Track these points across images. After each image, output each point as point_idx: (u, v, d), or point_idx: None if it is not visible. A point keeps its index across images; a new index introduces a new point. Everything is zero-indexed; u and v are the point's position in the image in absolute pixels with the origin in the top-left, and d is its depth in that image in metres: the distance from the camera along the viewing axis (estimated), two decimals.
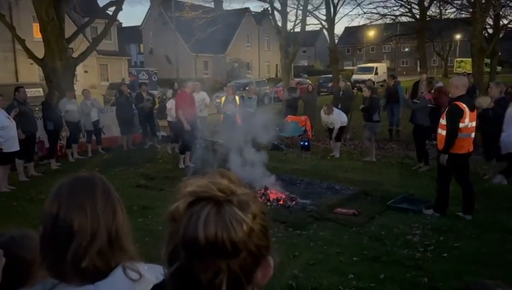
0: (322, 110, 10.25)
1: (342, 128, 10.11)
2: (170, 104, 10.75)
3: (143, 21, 41.98)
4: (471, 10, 16.85)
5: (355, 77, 33.70)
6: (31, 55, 11.68)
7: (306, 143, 10.86)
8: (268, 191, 6.81)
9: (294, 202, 6.48)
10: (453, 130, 5.42)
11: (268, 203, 6.42)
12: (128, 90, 11.98)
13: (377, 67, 35.84)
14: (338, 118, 9.98)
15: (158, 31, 37.70)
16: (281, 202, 6.48)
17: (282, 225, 5.55)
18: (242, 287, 0.74)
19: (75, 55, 12.33)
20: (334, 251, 4.79)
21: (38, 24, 11.51)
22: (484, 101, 7.58)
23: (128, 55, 37.59)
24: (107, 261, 1.02)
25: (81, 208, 1.03)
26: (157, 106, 12.65)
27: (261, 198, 6.62)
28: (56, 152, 9.61)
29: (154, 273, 1.05)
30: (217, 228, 0.71)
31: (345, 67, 48.72)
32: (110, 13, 14.27)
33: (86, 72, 29.40)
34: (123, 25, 44.03)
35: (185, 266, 0.73)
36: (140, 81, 16.25)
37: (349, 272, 4.26)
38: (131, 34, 43.52)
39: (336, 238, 5.18)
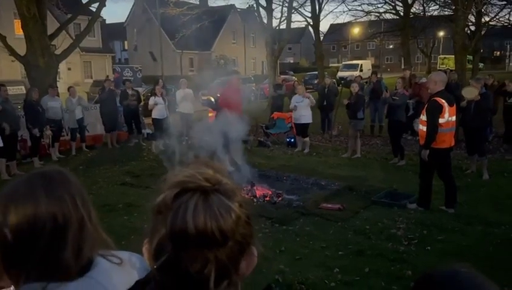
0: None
1: (306, 125, 10.31)
2: (152, 101, 10.69)
3: (127, 17, 41.54)
4: (453, 7, 17.06)
5: (340, 74, 33.89)
6: (12, 52, 11.46)
7: (292, 140, 10.91)
8: (255, 188, 6.83)
9: (280, 198, 6.51)
10: (433, 125, 5.50)
11: (255, 200, 6.45)
12: (111, 86, 11.86)
13: (361, 64, 36.12)
14: (293, 100, 10.43)
15: (142, 27, 37.36)
16: (268, 198, 6.51)
17: (269, 220, 5.57)
18: (230, 276, 0.74)
19: (58, 52, 12.15)
20: (319, 246, 4.83)
21: (19, 21, 11.30)
22: (471, 93, 7.63)
23: (112, 52, 37.19)
24: (91, 252, 1.00)
25: (61, 200, 0.98)
26: (142, 103, 12.55)
27: (247, 194, 6.65)
28: (39, 150, 9.48)
29: (128, 256, 1.06)
30: (206, 217, 0.70)
31: (331, 64, 48.96)
32: (94, 9, 14.09)
33: (69, 69, 28.99)
34: (107, 22, 43.47)
35: (172, 259, 0.72)
36: (124, 78, 16.08)
37: (335, 266, 4.31)
38: (115, 31, 43.04)
39: (321, 233, 5.23)
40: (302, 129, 10.30)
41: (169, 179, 0.76)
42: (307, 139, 10.39)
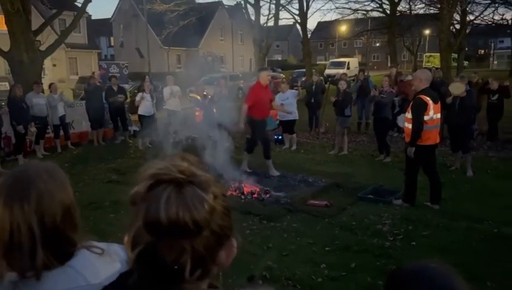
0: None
1: (292, 122, 10.31)
2: (139, 96, 10.65)
3: (113, 13, 41.10)
4: (439, 6, 17.27)
5: (327, 71, 34.00)
6: None
7: (280, 137, 10.94)
8: (243, 185, 6.84)
9: (268, 195, 6.53)
10: (418, 123, 5.57)
11: (243, 197, 6.46)
12: (99, 81, 11.76)
13: (348, 62, 36.26)
14: (277, 98, 10.32)
15: (129, 23, 37.02)
16: (255, 195, 6.51)
17: (256, 217, 5.58)
18: (207, 266, 0.76)
19: (42, 48, 11.99)
20: (306, 242, 4.86)
21: (3, 16, 11.11)
22: (458, 88, 7.69)
23: (98, 49, 36.76)
24: (71, 244, 1.05)
25: (30, 202, 1.02)
26: (128, 100, 12.44)
27: (235, 191, 6.66)
28: (24, 148, 9.34)
29: (107, 246, 1.10)
30: (178, 208, 0.72)
31: (318, 62, 49.17)
32: (79, 5, 13.95)
33: (54, 65, 28.59)
34: (92, 18, 43.02)
35: (148, 249, 0.74)
36: (110, 74, 15.95)
37: (322, 261, 4.34)
38: (101, 27, 42.56)
39: (308, 229, 5.26)
40: (289, 126, 10.34)
41: (144, 171, 0.78)
42: (294, 135, 10.43)
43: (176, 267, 0.73)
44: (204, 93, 11.04)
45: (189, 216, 0.72)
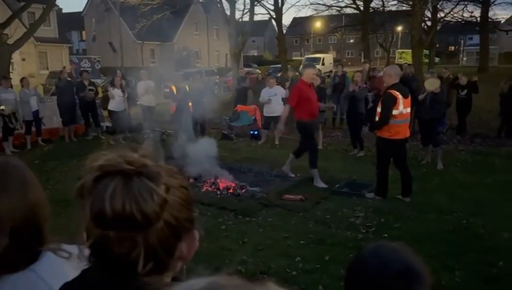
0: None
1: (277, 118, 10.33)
2: (111, 91, 10.53)
3: (85, 7, 40.16)
4: (411, 3, 17.60)
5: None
6: None
7: (256, 132, 10.95)
8: (218, 180, 6.83)
9: (243, 190, 6.54)
10: (385, 117, 5.69)
11: (218, 192, 6.45)
12: (72, 75, 11.50)
13: (323, 58, 36.59)
14: (264, 93, 10.52)
15: (101, 17, 36.19)
16: (231, 191, 6.51)
17: (232, 212, 5.60)
18: (162, 259, 0.74)
19: (10, 41, 11.62)
20: (281, 236, 4.90)
21: None
22: (432, 84, 7.84)
23: (69, 43, 35.82)
24: (36, 245, 1.01)
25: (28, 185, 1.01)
26: (100, 95, 12.20)
27: (210, 187, 6.64)
28: None
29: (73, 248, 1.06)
30: (124, 199, 0.70)
31: (294, 58, 49.32)
32: None
33: (23, 60, 27.74)
34: (63, 11, 41.94)
35: (99, 242, 0.72)
36: (82, 69, 15.59)
37: (296, 255, 4.39)
38: (73, 21, 41.49)
39: (283, 223, 5.31)
40: (276, 122, 10.29)
41: (90, 163, 0.76)
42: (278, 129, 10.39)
43: (127, 260, 0.71)
44: (186, 87, 10.92)
45: (137, 208, 0.70)
